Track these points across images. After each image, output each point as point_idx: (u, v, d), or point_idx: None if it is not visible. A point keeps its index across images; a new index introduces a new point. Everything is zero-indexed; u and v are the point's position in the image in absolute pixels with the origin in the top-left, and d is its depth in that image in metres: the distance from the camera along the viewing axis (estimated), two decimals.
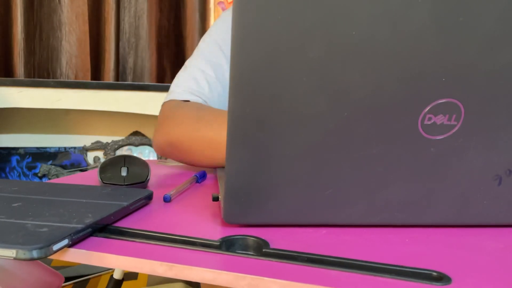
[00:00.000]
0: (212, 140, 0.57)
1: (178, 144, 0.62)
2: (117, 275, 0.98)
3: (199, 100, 0.69)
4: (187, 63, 0.76)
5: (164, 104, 0.70)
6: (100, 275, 1.50)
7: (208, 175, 0.60)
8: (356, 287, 0.25)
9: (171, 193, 0.44)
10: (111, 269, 1.06)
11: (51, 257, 0.28)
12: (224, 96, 0.70)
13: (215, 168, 0.62)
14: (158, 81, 1.96)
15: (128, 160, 0.50)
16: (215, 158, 0.59)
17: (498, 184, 0.35)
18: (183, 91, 0.70)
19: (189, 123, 0.61)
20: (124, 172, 0.48)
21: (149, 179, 0.50)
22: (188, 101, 0.70)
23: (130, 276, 1.45)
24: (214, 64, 0.73)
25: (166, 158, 0.77)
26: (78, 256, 0.29)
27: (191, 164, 0.64)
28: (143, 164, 0.50)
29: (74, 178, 0.56)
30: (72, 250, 0.29)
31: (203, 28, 1.98)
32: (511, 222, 0.37)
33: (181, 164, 0.73)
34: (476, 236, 0.35)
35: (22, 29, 1.71)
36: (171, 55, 1.98)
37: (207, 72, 0.72)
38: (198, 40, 1.84)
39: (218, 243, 0.31)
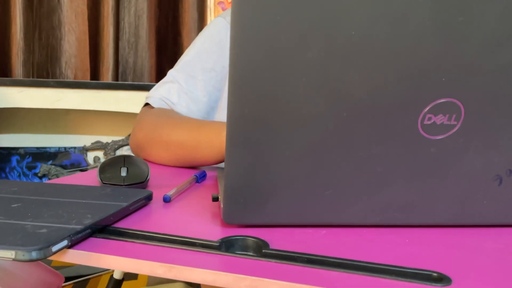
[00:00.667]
0: (163, 141, 0.66)
1: (141, 146, 0.71)
2: (117, 275, 0.98)
3: (166, 107, 0.75)
4: (169, 71, 0.81)
5: (141, 109, 0.78)
6: (100, 275, 1.50)
7: (208, 175, 0.60)
8: None
9: (171, 193, 0.44)
10: (111, 269, 1.06)
11: (51, 257, 0.28)
12: (192, 106, 0.76)
13: (183, 168, 0.68)
14: (158, 81, 1.96)
15: (128, 160, 0.50)
16: (169, 157, 0.67)
17: (498, 184, 0.35)
18: (153, 97, 0.76)
19: (148, 127, 0.70)
20: (123, 172, 0.48)
21: (148, 179, 0.50)
22: (157, 108, 0.76)
23: (130, 276, 1.45)
24: (188, 75, 0.77)
25: None
26: (78, 257, 0.29)
27: (156, 163, 0.70)
28: (143, 164, 0.50)
29: (74, 178, 0.56)
30: (71, 251, 0.29)
31: (201, 27, 1.98)
32: (511, 222, 0.37)
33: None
34: (476, 236, 0.35)
35: (21, 29, 1.71)
36: (171, 54, 1.97)
37: (180, 82, 0.77)
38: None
39: (218, 244, 0.30)
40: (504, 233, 0.36)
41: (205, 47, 0.79)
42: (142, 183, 0.48)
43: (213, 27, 0.82)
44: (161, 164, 0.69)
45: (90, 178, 0.55)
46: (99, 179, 0.47)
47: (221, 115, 0.78)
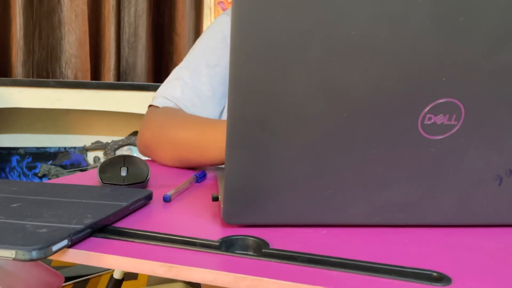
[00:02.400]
0: (170, 141, 0.65)
1: (148, 145, 0.71)
2: (117, 275, 0.98)
3: (171, 104, 0.75)
4: (173, 69, 0.81)
5: (147, 110, 0.77)
6: (100, 275, 1.50)
7: (208, 175, 0.60)
8: None
9: (171, 193, 0.44)
10: (111, 269, 1.06)
11: (51, 257, 0.28)
12: (196, 101, 0.75)
13: (187, 168, 0.67)
14: (157, 81, 1.96)
15: (128, 160, 0.50)
16: (175, 157, 0.66)
17: (498, 184, 0.35)
18: (160, 96, 0.76)
19: (155, 126, 0.70)
20: (123, 172, 0.48)
21: (148, 179, 0.50)
22: (163, 107, 0.76)
23: (130, 276, 1.45)
24: (193, 70, 0.77)
25: None
26: (78, 256, 0.29)
27: (163, 164, 0.70)
28: (143, 164, 0.50)
29: (74, 178, 0.56)
30: (71, 250, 0.29)
31: (201, 27, 1.98)
32: (511, 222, 0.37)
33: None
34: (476, 236, 0.35)
35: (21, 28, 1.71)
36: (171, 54, 1.97)
37: (184, 78, 0.76)
38: (194, 39, 1.84)
39: (218, 244, 0.30)
40: (504, 233, 0.36)
41: (210, 44, 0.79)
42: (142, 183, 0.48)
43: (218, 24, 0.82)
44: (168, 166, 0.68)
45: (90, 178, 0.55)
46: (99, 179, 0.47)
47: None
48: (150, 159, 0.74)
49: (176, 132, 0.65)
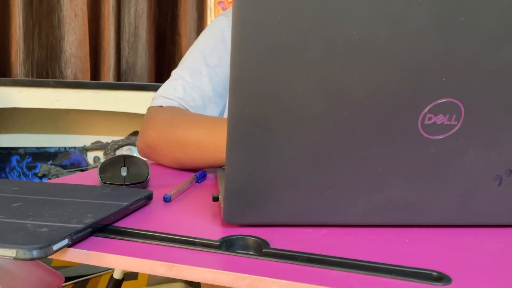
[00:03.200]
0: (180, 141, 0.62)
1: (153, 146, 0.67)
2: (117, 275, 0.98)
3: (174, 104, 0.73)
4: (172, 71, 0.80)
5: (147, 110, 0.75)
6: (100, 275, 1.50)
7: (208, 175, 0.60)
8: (356, 287, 0.25)
9: (171, 193, 0.44)
10: (111, 269, 1.06)
11: (51, 257, 0.28)
12: (198, 101, 0.75)
13: (190, 169, 0.66)
14: (158, 81, 1.96)
15: (128, 160, 0.50)
16: (185, 157, 0.63)
17: (498, 184, 0.35)
18: (161, 97, 0.75)
19: (162, 126, 0.67)
20: (124, 172, 0.48)
21: (149, 179, 0.50)
22: (166, 106, 0.75)
23: (130, 276, 1.45)
24: (193, 70, 0.77)
25: None
26: (78, 256, 0.29)
27: (167, 165, 0.68)
28: (143, 164, 0.50)
29: (74, 178, 0.56)
30: (72, 250, 0.29)
31: (201, 27, 1.98)
32: (511, 223, 0.37)
33: None
34: (476, 236, 0.35)
35: (20, 28, 1.71)
36: (171, 55, 1.97)
37: (185, 78, 0.76)
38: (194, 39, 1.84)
39: (218, 243, 0.31)
40: (505, 233, 0.36)
41: (209, 45, 0.79)
42: (143, 183, 0.48)
43: (216, 25, 0.81)
44: (172, 167, 0.67)
45: (90, 178, 0.55)
46: (100, 179, 0.47)
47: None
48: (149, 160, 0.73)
49: (186, 132, 0.62)
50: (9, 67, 1.75)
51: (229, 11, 0.84)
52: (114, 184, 0.47)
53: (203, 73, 0.76)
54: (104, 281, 1.46)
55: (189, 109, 0.73)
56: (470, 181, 0.34)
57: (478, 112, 0.31)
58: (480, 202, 0.35)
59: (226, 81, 0.77)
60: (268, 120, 0.31)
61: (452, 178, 0.34)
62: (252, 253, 0.30)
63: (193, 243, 0.31)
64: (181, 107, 0.73)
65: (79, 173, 0.60)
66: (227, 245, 0.31)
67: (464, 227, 0.37)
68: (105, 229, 0.33)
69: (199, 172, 0.57)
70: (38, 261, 0.57)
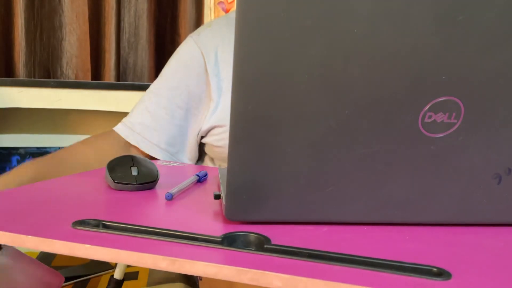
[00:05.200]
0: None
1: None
2: (117, 275, 0.97)
3: (125, 128, 0.81)
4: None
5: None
6: (100, 275, 1.50)
7: (209, 175, 0.61)
8: (357, 282, 0.25)
9: (173, 191, 0.45)
10: (111, 269, 1.06)
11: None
12: (149, 123, 0.80)
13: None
14: None
15: (136, 160, 0.51)
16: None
17: (497, 183, 0.35)
18: (120, 123, 0.82)
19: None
20: (134, 172, 0.48)
21: (159, 178, 0.50)
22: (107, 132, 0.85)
23: (130, 276, 1.45)
24: (154, 94, 0.82)
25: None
26: (82, 250, 0.29)
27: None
28: (151, 164, 0.51)
29: (75, 177, 0.56)
30: (76, 245, 0.29)
31: (199, 26, 1.98)
32: (511, 221, 0.37)
33: (183, 164, 0.75)
34: (476, 234, 0.35)
35: (22, 29, 1.71)
36: (170, 55, 1.97)
37: (145, 102, 0.82)
38: None
39: (220, 239, 0.31)
40: (504, 231, 0.36)
41: (172, 68, 0.85)
42: (154, 182, 0.49)
43: (182, 47, 0.86)
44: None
45: (90, 178, 0.56)
46: (111, 178, 0.47)
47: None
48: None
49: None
50: (12, 68, 1.75)
51: (198, 31, 0.87)
52: (126, 184, 0.47)
53: (162, 96, 0.81)
54: (104, 281, 1.45)
55: (135, 133, 0.80)
56: (470, 180, 0.35)
57: (478, 110, 0.32)
58: (479, 200, 0.36)
59: (184, 102, 0.80)
60: (270, 117, 0.31)
61: (451, 176, 0.34)
62: (253, 249, 0.30)
63: (195, 239, 0.31)
64: (131, 131, 0.80)
65: (81, 173, 0.60)
66: (229, 241, 0.31)
67: (464, 225, 0.37)
68: (108, 224, 0.33)
69: (201, 172, 0.57)
70: (38, 261, 0.57)
